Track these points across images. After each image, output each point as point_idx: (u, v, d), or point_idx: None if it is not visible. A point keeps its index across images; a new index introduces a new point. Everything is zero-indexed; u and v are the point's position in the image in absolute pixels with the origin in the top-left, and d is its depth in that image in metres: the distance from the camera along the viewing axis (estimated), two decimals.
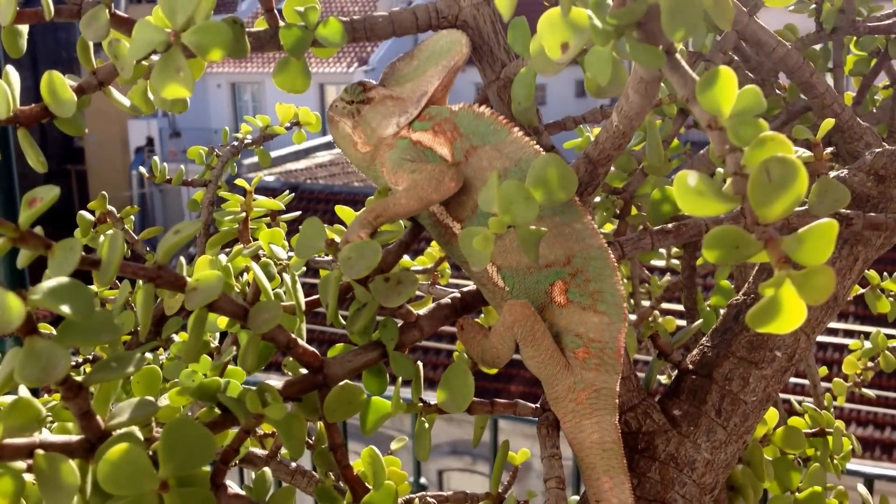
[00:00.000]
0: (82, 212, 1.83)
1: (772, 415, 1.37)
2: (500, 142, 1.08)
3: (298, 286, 1.09)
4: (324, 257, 1.68)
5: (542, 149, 1.08)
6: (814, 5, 1.66)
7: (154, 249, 1.91)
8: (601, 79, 0.78)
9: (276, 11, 1.09)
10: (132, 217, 1.87)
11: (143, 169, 2.04)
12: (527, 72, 1.03)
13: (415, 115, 1.17)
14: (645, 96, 0.90)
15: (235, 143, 2.03)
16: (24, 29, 1.05)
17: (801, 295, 0.69)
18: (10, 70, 1.02)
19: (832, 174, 1.25)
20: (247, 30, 1.07)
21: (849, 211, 1.16)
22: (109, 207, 1.84)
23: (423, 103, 1.17)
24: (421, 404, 1.06)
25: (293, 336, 0.93)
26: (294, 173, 17.57)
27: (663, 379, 1.84)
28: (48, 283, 0.75)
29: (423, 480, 4.68)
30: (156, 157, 2.04)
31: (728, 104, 0.73)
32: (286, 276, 1.14)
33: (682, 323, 1.80)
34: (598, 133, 1.03)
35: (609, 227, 1.52)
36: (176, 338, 1.66)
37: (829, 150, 1.11)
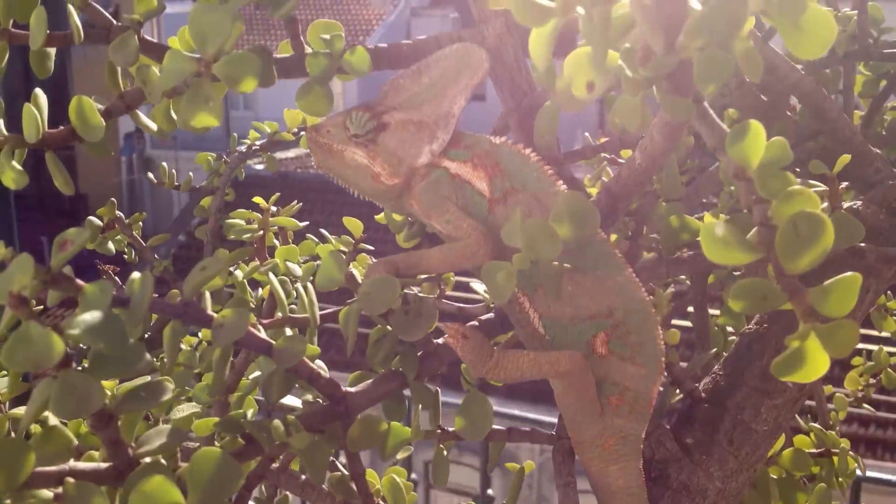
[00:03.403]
0: (91, 217, 1.84)
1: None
2: (542, 192, 1.06)
3: (314, 299, 1.09)
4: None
5: (563, 178, 1.09)
6: None
7: (160, 256, 1.92)
8: (630, 126, 0.79)
9: (301, 38, 1.10)
10: (140, 223, 1.88)
11: (151, 175, 2.05)
12: (552, 105, 1.04)
13: (446, 140, 1.10)
14: (669, 138, 0.92)
15: (243, 150, 2.04)
16: (52, 52, 1.06)
17: (826, 348, 0.71)
18: (39, 93, 1.03)
19: (845, 205, 1.27)
20: (274, 56, 1.08)
21: (862, 244, 1.17)
22: (118, 213, 1.85)
23: (453, 127, 1.11)
24: (439, 431, 1.07)
25: (316, 368, 0.94)
26: (284, 162, 17.51)
27: None
28: (83, 318, 0.76)
29: (413, 476, 4.70)
30: (164, 164, 2.05)
31: (756, 157, 0.74)
32: (300, 288, 1.14)
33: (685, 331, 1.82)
34: (620, 168, 1.05)
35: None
36: (183, 346, 1.67)
37: (843, 184, 1.13)
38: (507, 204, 1.07)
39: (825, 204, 1.06)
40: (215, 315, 0.88)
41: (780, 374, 0.72)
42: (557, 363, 1.04)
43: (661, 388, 1.30)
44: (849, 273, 0.71)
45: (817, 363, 0.72)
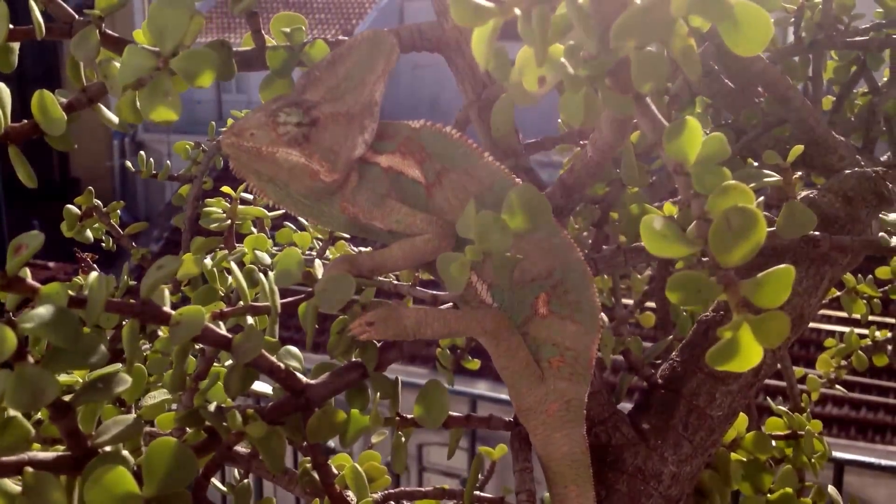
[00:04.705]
0: (69, 206, 1.85)
1: (741, 420, 1.41)
2: (471, 166, 1.07)
3: (276, 289, 1.10)
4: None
5: (521, 169, 1.11)
6: (793, 18, 1.68)
7: (139, 244, 1.93)
8: (574, 122, 0.81)
9: (262, 31, 1.11)
10: (118, 212, 1.89)
11: (129, 164, 2.06)
12: (506, 99, 1.06)
13: (375, 129, 1.08)
14: (618, 132, 0.93)
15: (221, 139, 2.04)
16: (16, 46, 1.08)
17: (758, 339, 0.73)
18: (2, 87, 1.04)
19: (802, 193, 1.29)
20: (234, 49, 1.10)
21: (816, 233, 1.19)
22: (96, 202, 1.86)
23: (378, 115, 1.08)
24: (398, 418, 1.09)
25: (276, 362, 0.96)
26: None
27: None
28: (37, 312, 0.78)
29: None
30: (142, 153, 2.06)
31: (693, 152, 0.76)
32: (261, 276, 1.16)
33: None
34: (573, 161, 1.06)
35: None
36: (160, 333, 1.69)
37: (797, 174, 1.15)
38: (443, 185, 1.08)
39: (761, 199, 1.08)
40: (173, 313, 0.90)
41: (714, 363, 0.75)
42: (483, 320, 1.06)
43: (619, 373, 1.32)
44: (781, 266, 0.73)
45: (750, 353, 0.74)
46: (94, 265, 1.86)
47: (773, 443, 1.45)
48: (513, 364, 1.08)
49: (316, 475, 1.06)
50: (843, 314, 1.95)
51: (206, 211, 1.73)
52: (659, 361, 1.38)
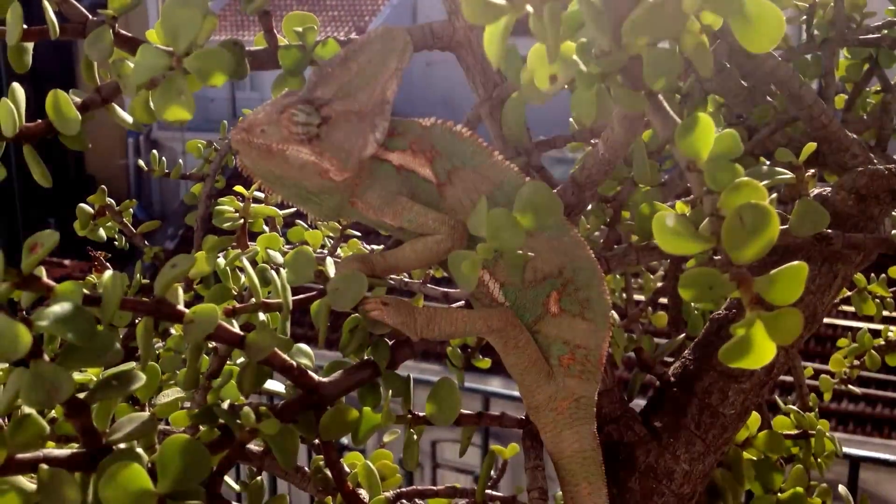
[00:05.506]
0: (82, 205, 1.86)
1: (754, 419, 1.41)
2: (482, 165, 1.07)
3: (287, 286, 1.10)
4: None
5: (532, 168, 1.11)
6: (805, 16, 1.68)
7: (152, 243, 1.94)
8: (585, 120, 0.81)
9: (274, 31, 1.12)
10: (131, 210, 1.90)
11: (141, 162, 2.07)
12: (517, 97, 1.06)
13: (386, 127, 1.06)
14: (629, 130, 0.94)
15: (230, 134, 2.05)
16: (30, 46, 1.08)
17: (771, 336, 0.73)
18: (17, 87, 1.05)
19: (815, 191, 1.29)
20: (247, 49, 1.10)
21: (829, 231, 1.19)
22: (109, 200, 1.87)
23: (389, 113, 1.06)
24: (410, 416, 1.10)
25: (288, 360, 0.96)
26: None
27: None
28: (52, 309, 0.79)
29: None
30: (155, 151, 2.07)
31: (706, 149, 0.76)
32: (273, 274, 1.16)
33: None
34: (585, 158, 1.07)
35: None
36: (173, 331, 1.70)
37: (810, 172, 1.15)
38: (455, 184, 1.07)
39: (774, 195, 1.07)
40: (186, 311, 0.90)
41: (727, 360, 0.75)
42: (490, 318, 1.06)
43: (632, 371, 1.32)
44: (794, 262, 0.73)
45: (763, 350, 0.73)
46: (108, 264, 1.87)
47: None
48: (521, 361, 1.08)
49: (329, 473, 1.06)
50: None
51: (219, 209, 1.73)
52: (671, 359, 1.38)
